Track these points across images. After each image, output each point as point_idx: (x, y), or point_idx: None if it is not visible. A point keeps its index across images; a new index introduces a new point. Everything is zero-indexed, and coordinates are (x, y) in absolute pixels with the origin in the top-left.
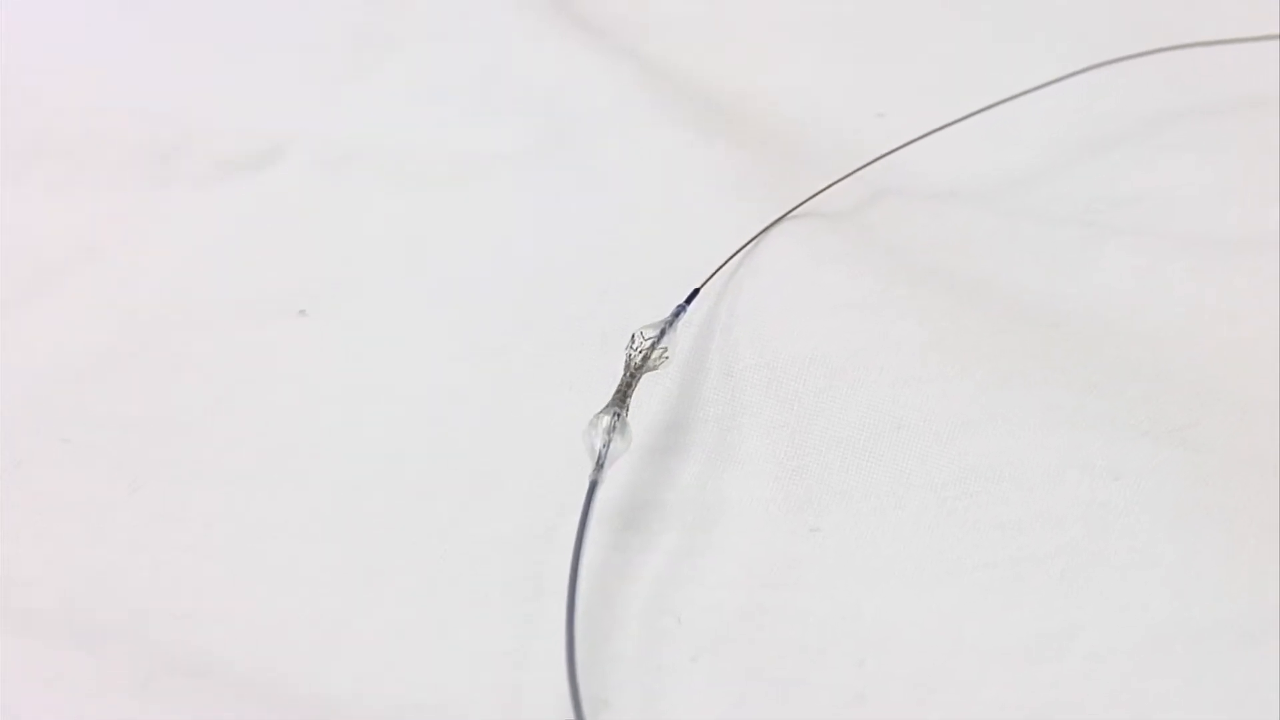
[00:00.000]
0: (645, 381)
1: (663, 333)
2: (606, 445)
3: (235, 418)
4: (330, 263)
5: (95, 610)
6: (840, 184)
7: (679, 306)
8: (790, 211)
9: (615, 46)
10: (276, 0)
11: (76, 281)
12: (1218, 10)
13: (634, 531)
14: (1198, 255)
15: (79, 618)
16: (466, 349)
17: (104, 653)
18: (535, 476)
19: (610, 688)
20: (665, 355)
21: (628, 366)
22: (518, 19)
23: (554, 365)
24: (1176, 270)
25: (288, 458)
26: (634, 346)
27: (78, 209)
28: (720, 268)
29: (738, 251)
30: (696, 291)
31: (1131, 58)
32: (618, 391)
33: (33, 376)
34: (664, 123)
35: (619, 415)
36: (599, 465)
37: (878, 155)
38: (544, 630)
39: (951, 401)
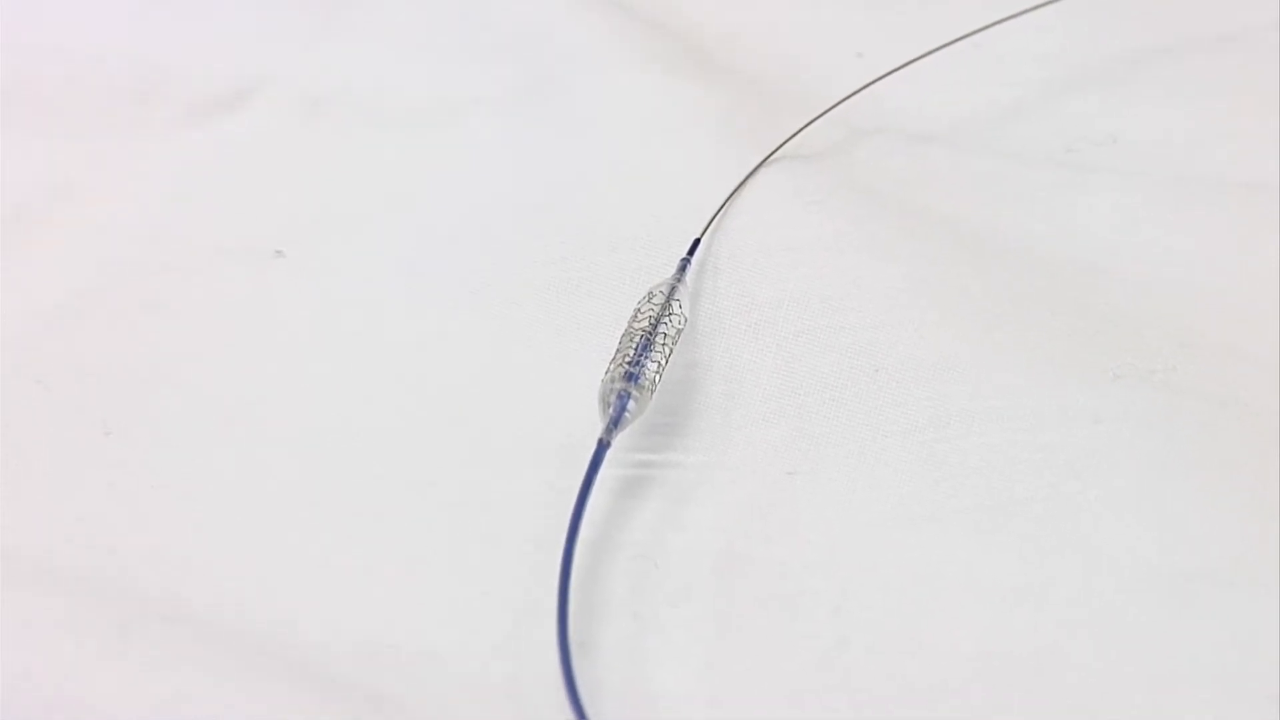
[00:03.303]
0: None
1: (674, 288)
2: (623, 408)
3: (210, 360)
4: (307, 205)
5: (70, 554)
6: (822, 127)
7: (683, 260)
8: (771, 154)
9: None
10: None
11: (52, 226)
12: None
13: (610, 473)
14: (1176, 198)
15: (53, 562)
16: (444, 291)
17: (79, 597)
18: (515, 420)
19: (587, 631)
20: (683, 315)
21: (642, 323)
22: None
23: (534, 309)
24: (1155, 213)
25: (263, 400)
26: (651, 302)
27: (52, 153)
28: (715, 216)
29: (728, 198)
30: (698, 242)
31: None
32: (635, 350)
33: (7, 320)
34: (644, 65)
35: (636, 378)
36: (611, 426)
37: (853, 91)
38: (524, 573)
39: (930, 344)
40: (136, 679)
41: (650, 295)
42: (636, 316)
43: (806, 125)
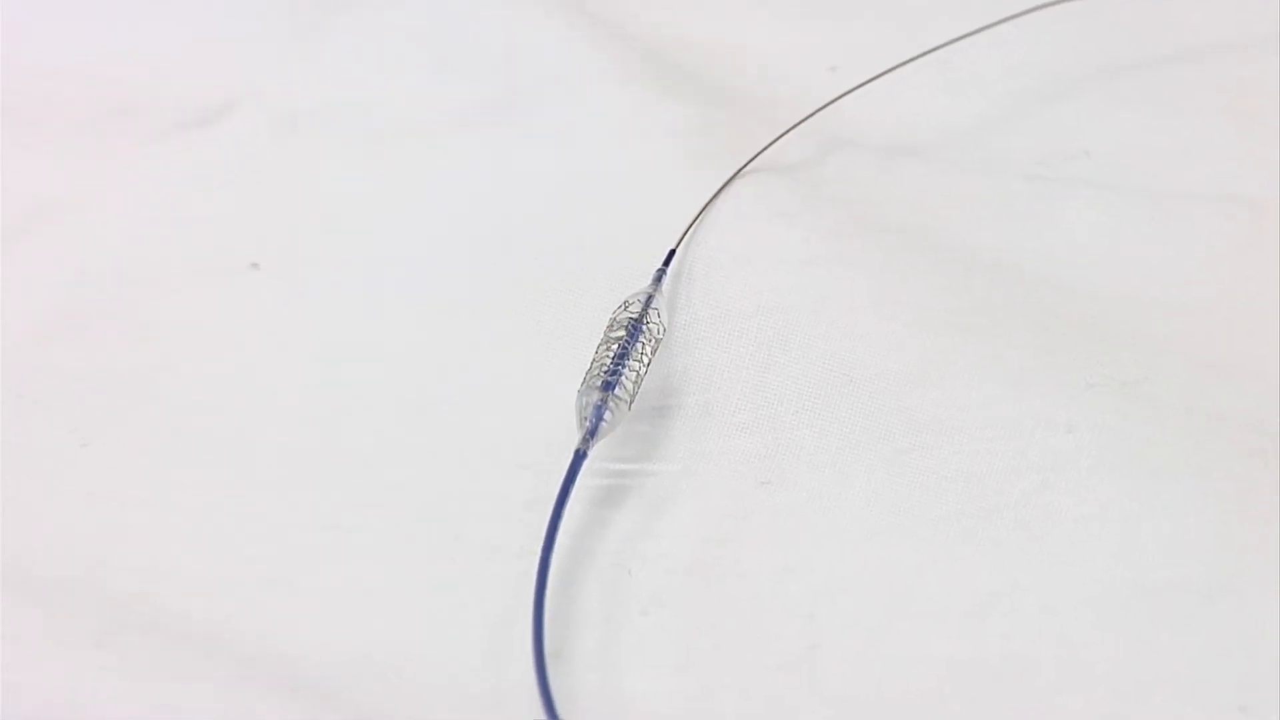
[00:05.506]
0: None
1: (650, 298)
2: (599, 419)
3: (187, 372)
4: (283, 219)
5: (48, 565)
6: (795, 139)
7: (658, 270)
8: (744, 167)
9: (569, 5)
10: None
11: (31, 238)
12: None
13: (586, 482)
14: (1148, 211)
15: (32, 572)
16: (420, 304)
17: (58, 607)
18: (493, 431)
19: (561, 639)
20: (662, 324)
21: (619, 333)
22: None
23: (511, 320)
24: (1127, 225)
25: (239, 412)
26: (628, 310)
27: (32, 166)
28: (690, 227)
29: (703, 210)
30: (673, 253)
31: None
32: (611, 360)
33: None
34: (619, 80)
35: (612, 387)
36: (588, 437)
37: (825, 104)
38: (502, 583)
39: (903, 355)
40: (115, 689)
41: (626, 305)
42: (613, 326)
43: (779, 138)
